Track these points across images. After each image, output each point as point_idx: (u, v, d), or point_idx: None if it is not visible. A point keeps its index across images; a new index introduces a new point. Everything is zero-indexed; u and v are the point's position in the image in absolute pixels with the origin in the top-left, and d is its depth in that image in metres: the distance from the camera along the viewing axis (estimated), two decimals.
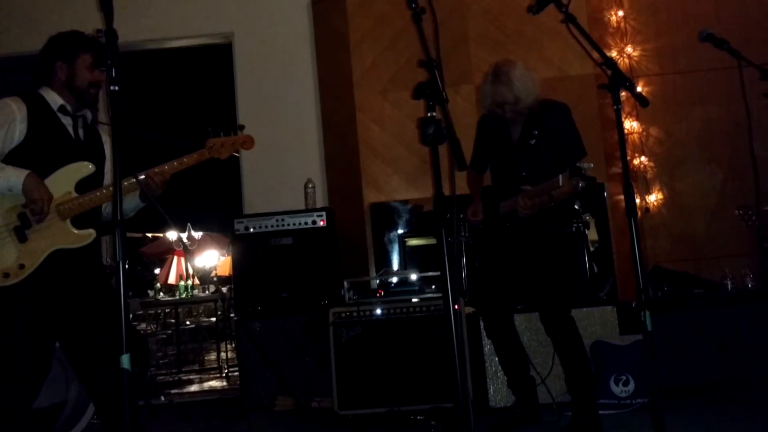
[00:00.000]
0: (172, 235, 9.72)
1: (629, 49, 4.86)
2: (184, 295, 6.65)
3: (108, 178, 2.62)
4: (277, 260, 4.20)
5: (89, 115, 2.62)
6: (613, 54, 4.79)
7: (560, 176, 2.86)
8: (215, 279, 8.60)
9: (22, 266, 2.33)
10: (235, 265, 4.35)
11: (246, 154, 4.93)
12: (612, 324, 3.60)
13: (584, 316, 3.61)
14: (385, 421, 3.46)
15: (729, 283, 4.00)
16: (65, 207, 2.40)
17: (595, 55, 2.47)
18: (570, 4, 2.49)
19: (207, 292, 7.34)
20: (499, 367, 3.52)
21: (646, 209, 4.71)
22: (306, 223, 4.25)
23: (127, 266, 1.89)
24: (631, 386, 3.46)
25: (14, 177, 2.31)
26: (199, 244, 9.05)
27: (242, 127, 2.69)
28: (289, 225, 4.25)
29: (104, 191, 2.45)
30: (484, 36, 4.83)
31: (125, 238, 1.90)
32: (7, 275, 2.31)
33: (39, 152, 2.41)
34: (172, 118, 10.19)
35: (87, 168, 2.46)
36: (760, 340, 3.58)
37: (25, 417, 2.36)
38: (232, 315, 7.10)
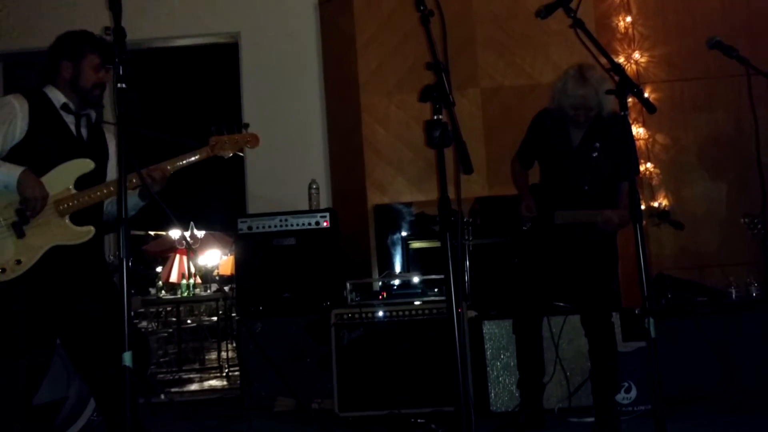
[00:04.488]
0: (174, 233, 9.73)
1: (637, 55, 4.84)
2: (185, 294, 6.64)
3: (111, 176, 2.62)
4: (280, 260, 4.20)
5: (93, 114, 2.63)
6: (621, 60, 4.77)
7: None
8: (217, 278, 8.61)
9: (19, 262, 2.32)
10: (238, 264, 4.35)
11: (250, 154, 4.92)
12: (615, 330, 3.58)
13: None
14: (386, 423, 3.45)
15: (733, 291, 3.98)
16: (64, 204, 2.39)
17: (603, 60, 2.46)
18: (578, 8, 2.48)
19: (209, 291, 7.34)
20: (501, 372, 3.52)
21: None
22: (309, 224, 4.24)
23: (130, 264, 1.88)
24: (633, 393, 3.46)
25: (9, 174, 2.31)
26: (202, 243, 9.05)
27: (247, 126, 2.66)
28: (292, 225, 4.25)
29: (103, 189, 2.44)
30: (491, 39, 4.82)
31: (129, 236, 1.90)
32: (3, 270, 2.30)
33: (39, 149, 2.41)
34: (177, 117, 10.21)
35: (87, 165, 2.45)
36: (764, 348, 3.56)
37: (24, 415, 2.34)
38: (233, 314, 7.11)
